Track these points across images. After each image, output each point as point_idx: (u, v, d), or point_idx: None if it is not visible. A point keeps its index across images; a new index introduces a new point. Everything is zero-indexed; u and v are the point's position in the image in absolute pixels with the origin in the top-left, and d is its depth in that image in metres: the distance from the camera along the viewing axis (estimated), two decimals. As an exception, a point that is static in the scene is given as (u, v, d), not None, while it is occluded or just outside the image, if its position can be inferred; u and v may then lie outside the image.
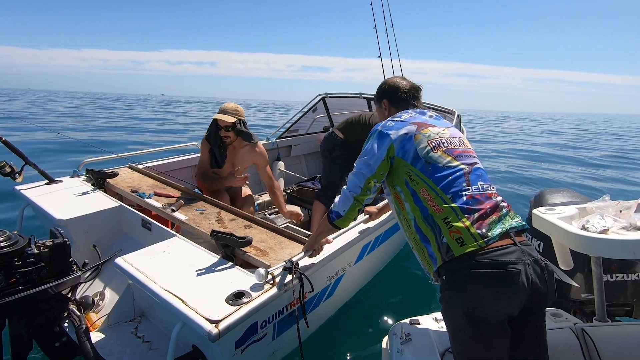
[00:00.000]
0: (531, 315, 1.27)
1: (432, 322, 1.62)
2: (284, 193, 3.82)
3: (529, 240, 2.03)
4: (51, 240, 1.77)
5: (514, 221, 1.29)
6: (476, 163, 1.41)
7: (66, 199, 2.38)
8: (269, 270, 1.58)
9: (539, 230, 1.66)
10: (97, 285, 2.11)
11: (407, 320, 1.65)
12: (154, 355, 1.66)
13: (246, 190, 3.04)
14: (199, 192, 2.73)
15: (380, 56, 3.89)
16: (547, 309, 1.63)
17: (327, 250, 1.84)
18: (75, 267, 1.85)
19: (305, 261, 1.73)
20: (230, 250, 1.79)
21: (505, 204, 1.33)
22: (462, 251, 1.21)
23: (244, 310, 1.42)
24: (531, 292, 1.19)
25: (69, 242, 1.78)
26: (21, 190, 2.43)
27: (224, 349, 1.44)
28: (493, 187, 1.37)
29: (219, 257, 1.78)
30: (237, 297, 1.47)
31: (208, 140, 2.75)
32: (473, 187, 1.30)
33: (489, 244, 1.20)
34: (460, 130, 4.26)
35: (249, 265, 1.82)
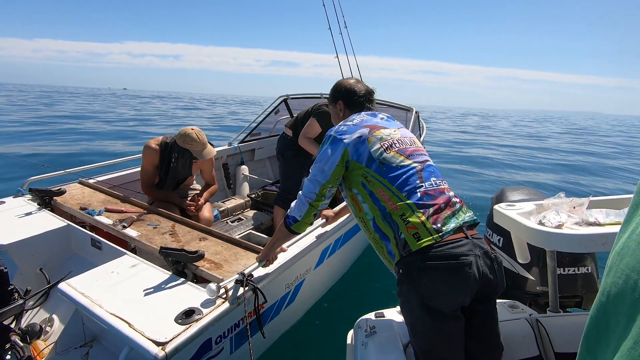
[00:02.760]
0: (482, 304, 1.33)
1: (396, 314, 1.66)
2: (249, 198, 3.78)
3: (489, 234, 2.13)
4: (-14, 269, 1.67)
5: (467, 216, 1.36)
6: (427, 160, 1.46)
7: (8, 221, 2.24)
8: (220, 284, 1.56)
9: (500, 225, 1.74)
10: (45, 312, 2.01)
11: (372, 314, 1.68)
12: (105, 381, 1.60)
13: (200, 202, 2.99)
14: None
15: (337, 56, 3.90)
16: (504, 300, 1.73)
17: (282, 258, 1.83)
18: (16, 294, 1.76)
19: (260, 271, 1.72)
20: (181, 266, 1.75)
21: (457, 200, 1.40)
22: (418, 246, 1.25)
23: (194, 328, 1.39)
24: (482, 283, 1.26)
25: (6, 270, 1.69)
26: (-43, 216, 2.27)
27: (175, 370, 1.40)
28: (445, 183, 1.43)
29: (170, 273, 1.73)
30: (187, 315, 1.44)
31: (165, 160, 2.68)
32: (426, 183, 1.36)
33: (443, 238, 1.25)
34: (419, 126, 4.35)
35: (203, 279, 1.78)
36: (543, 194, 2.14)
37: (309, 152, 2.93)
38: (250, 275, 1.61)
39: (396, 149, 1.42)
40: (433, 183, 1.37)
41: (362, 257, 3.39)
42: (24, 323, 1.87)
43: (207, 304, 1.52)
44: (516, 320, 1.58)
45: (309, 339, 2.38)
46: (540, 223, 1.55)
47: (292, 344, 2.24)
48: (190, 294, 1.58)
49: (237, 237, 2.39)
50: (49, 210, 2.45)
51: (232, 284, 1.57)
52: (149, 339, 1.31)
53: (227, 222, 3.15)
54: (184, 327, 1.38)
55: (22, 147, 9.24)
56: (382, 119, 1.57)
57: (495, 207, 1.77)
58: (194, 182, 3.06)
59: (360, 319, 1.69)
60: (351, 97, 1.65)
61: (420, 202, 1.30)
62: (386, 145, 1.42)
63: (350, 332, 1.72)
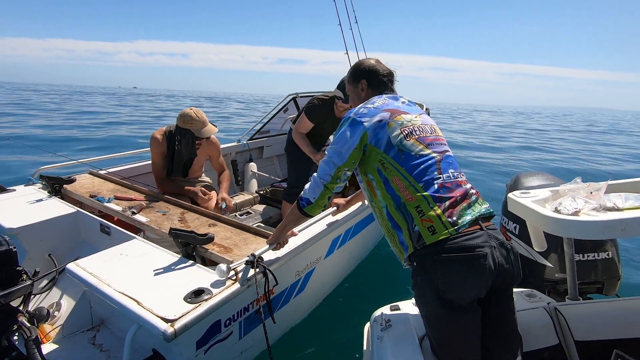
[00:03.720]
0: (499, 295, 1.30)
1: (412, 307, 1.63)
2: (257, 194, 3.76)
3: (505, 222, 2.08)
4: (-5, 248, 1.65)
5: (483, 208, 1.33)
6: (447, 151, 1.42)
7: (18, 208, 2.24)
8: (231, 265, 1.52)
9: (514, 213, 1.69)
10: (53, 296, 1.99)
11: (387, 307, 1.65)
12: (112, 364, 1.57)
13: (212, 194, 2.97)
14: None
15: (347, 52, 3.89)
16: (522, 289, 1.69)
17: (293, 243, 1.80)
18: (25, 276, 1.74)
19: (270, 255, 1.68)
20: (191, 248, 1.72)
21: (474, 191, 1.37)
22: (433, 239, 1.23)
23: (203, 307, 1.36)
24: (498, 274, 1.23)
25: (15, 250, 1.67)
26: (-31, 201, 2.28)
27: (184, 349, 1.37)
28: (463, 175, 1.39)
29: (179, 256, 1.71)
30: (196, 295, 1.41)
31: (171, 147, 2.67)
32: (444, 175, 1.32)
33: (459, 231, 1.23)
34: None
35: (212, 263, 1.75)
36: (559, 180, 2.08)
37: (300, 147, 2.94)
38: (261, 257, 1.57)
39: (416, 136, 1.38)
40: (451, 175, 1.34)
41: (377, 248, 3.34)
42: (32, 307, 1.85)
43: (217, 284, 1.48)
44: (534, 310, 1.54)
45: (323, 332, 2.33)
46: (556, 210, 1.49)
47: (304, 338, 2.19)
48: (199, 275, 1.55)
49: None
50: (59, 197, 2.44)
51: (243, 265, 1.53)
52: (157, 316, 1.28)
53: (235, 216, 3.13)
54: (193, 305, 1.35)
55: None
56: (403, 102, 1.53)
57: (510, 195, 1.72)
58: (203, 174, 3.05)
59: (375, 312, 1.66)
60: (375, 76, 1.59)
61: (437, 195, 1.27)
62: (406, 132, 1.38)
63: (367, 326, 1.70)
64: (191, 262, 1.66)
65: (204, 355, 1.47)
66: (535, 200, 1.61)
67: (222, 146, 3.82)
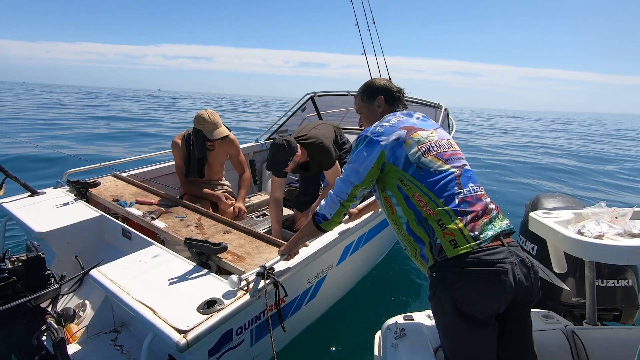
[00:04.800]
0: (517, 312, 1.32)
1: (426, 318, 1.65)
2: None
3: (522, 242, 2.06)
4: (25, 254, 1.77)
5: (504, 224, 1.34)
6: (465, 165, 1.43)
7: (47, 211, 2.37)
8: (242, 276, 1.57)
9: (535, 233, 1.70)
10: (79, 297, 2.11)
11: (400, 316, 1.67)
12: (131, 366, 1.66)
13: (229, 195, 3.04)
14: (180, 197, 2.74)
15: (365, 53, 3.86)
16: (539, 310, 1.69)
17: (304, 253, 1.83)
18: (52, 279, 1.85)
19: (281, 265, 1.72)
20: (205, 257, 1.79)
21: (493, 206, 1.38)
22: (455, 253, 1.25)
23: (215, 318, 1.41)
24: (518, 290, 1.25)
25: (43, 256, 1.78)
26: (2, 204, 2.43)
27: (197, 358, 1.43)
28: (482, 188, 1.41)
29: (194, 264, 1.77)
30: (209, 305, 1.47)
31: (188, 149, 2.77)
32: (464, 189, 1.34)
33: (480, 246, 1.24)
34: (448, 124, 4.24)
35: (226, 271, 1.81)
36: (581, 203, 2.07)
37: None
38: (272, 268, 1.62)
39: (434, 152, 1.40)
40: (471, 189, 1.35)
41: (387, 258, 3.35)
42: (59, 307, 1.97)
43: (228, 295, 1.54)
44: (551, 331, 1.55)
45: (332, 337, 2.37)
46: (580, 232, 1.51)
47: (314, 342, 2.24)
48: (212, 285, 1.61)
49: (262, 232, 2.41)
50: (84, 201, 2.57)
51: (254, 276, 1.58)
52: (171, 327, 1.35)
53: (252, 217, 3.19)
54: (205, 316, 1.41)
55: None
56: (418, 119, 1.54)
57: (531, 214, 1.73)
58: (223, 177, 3.12)
59: (388, 320, 1.68)
60: (391, 93, 1.64)
61: (458, 209, 1.29)
62: (424, 149, 1.39)
63: (378, 334, 1.72)
64: (205, 270, 1.72)
65: (216, 362, 1.53)
66: (558, 221, 1.63)
67: (240, 146, 3.90)
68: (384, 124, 1.47)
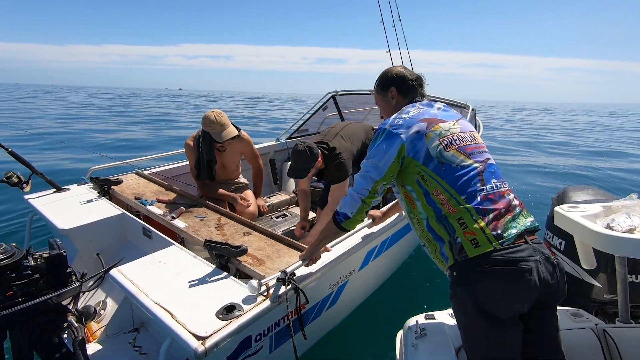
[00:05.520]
0: (542, 311, 1.26)
1: (448, 317, 1.60)
2: (294, 194, 3.76)
3: (549, 237, 1.95)
4: (48, 251, 1.77)
5: (528, 221, 1.28)
6: (489, 159, 1.36)
7: (71, 208, 2.39)
8: (262, 281, 1.52)
9: (561, 228, 1.62)
10: (100, 294, 2.12)
11: (422, 316, 1.62)
12: (149, 368, 1.64)
13: (248, 193, 3.01)
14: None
15: (389, 50, 3.76)
16: (567, 308, 1.63)
17: (326, 258, 1.76)
18: (74, 277, 1.85)
19: (302, 271, 1.66)
20: (225, 259, 1.75)
21: (517, 202, 1.31)
22: (476, 252, 1.20)
23: (234, 325, 1.37)
24: (542, 289, 1.19)
25: (65, 253, 1.77)
26: (29, 200, 2.47)
27: (214, 364, 1.39)
28: (506, 184, 1.33)
29: (214, 267, 1.74)
30: (228, 311, 1.42)
31: (199, 150, 2.74)
32: (487, 186, 1.28)
33: (503, 245, 1.19)
34: (475, 124, 4.09)
35: (246, 275, 1.77)
36: (611, 195, 1.94)
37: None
38: (293, 274, 1.56)
39: (456, 146, 1.32)
40: (494, 186, 1.29)
41: (409, 257, 3.25)
42: (80, 305, 1.97)
43: (248, 300, 1.49)
44: (580, 330, 1.48)
45: (353, 338, 2.31)
46: (609, 227, 1.42)
47: (334, 345, 2.18)
48: (232, 289, 1.57)
49: (281, 233, 2.36)
50: (107, 198, 2.58)
51: (274, 282, 1.53)
52: (190, 332, 1.31)
53: (271, 218, 3.15)
54: (224, 322, 1.37)
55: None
56: (439, 109, 1.46)
57: (557, 208, 1.64)
58: (240, 175, 3.10)
59: (409, 320, 1.62)
60: (404, 82, 1.54)
61: (480, 207, 1.23)
62: (445, 142, 1.32)
63: (400, 334, 1.67)
64: (225, 274, 1.68)
65: (234, 370, 1.49)
66: (586, 215, 1.54)
67: (260, 145, 3.86)
68: (403, 115, 1.40)
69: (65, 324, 1.77)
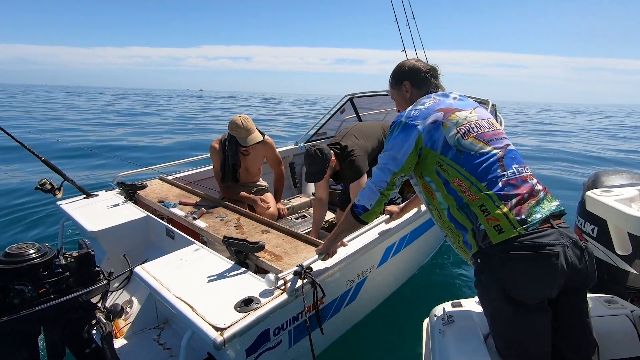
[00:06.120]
0: (571, 296, 1.24)
1: (475, 305, 1.57)
2: (314, 196, 3.78)
3: (581, 224, 1.89)
4: (77, 251, 1.86)
5: (553, 205, 1.25)
6: (508, 145, 1.35)
7: (99, 212, 2.50)
8: (279, 275, 1.54)
9: (594, 213, 1.60)
10: (126, 294, 2.19)
11: (448, 303, 1.60)
12: (173, 363, 1.68)
13: (268, 195, 3.05)
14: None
15: (404, 49, 3.74)
16: (601, 295, 1.59)
17: (343, 253, 1.77)
18: (102, 276, 1.93)
19: (319, 265, 1.67)
20: (243, 256, 1.78)
21: (540, 187, 1.29)
22: (500, 239, 1.18)
23: (252, 317, 1.39)
24: (570, 274, 1.17)
25: (93, 253, 1.86)
26: (61, 206, 2.60)
27: (234, 356, 1.41)
28: (527, 169, 1.32)
29: (233, 263, 1.77)
30: (246, 304, 1.45)
31: (224, 153, 2.82)
32: (508, 171, 1.26)
33: (527, 231, 1.16)
34: (497, 120, 4.00)
35: (264, 270, 1.79)
36: None
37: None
38: (309, 268, 1.57)
39: (474, 134, 1.31)
40: (515, 171, 1.27)
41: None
42: (108, 303, 2.05)
43: (265, 294, 1.51)
44: (615, 317, 1.44)
45: (375, 336, 2.28)
46: None
47: (356, 342, 2.16)
48: (250, 283, 1.59)
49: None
50: (133, 202, 2.68)
51: (291, 275, 1.54)
52: (209, 324, 1.34)
53: (291, 219, 3.18)
54: (242, 314, 1.39)
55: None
56: (454, 98, 1.45)
57: (588, 193, 1.61)
58: (260, 179, 3.15)
59: (435, 308, 1.60)
60: (417, 75, 1.53)
61: (502, 193, 1.22)
62: (463, 131, 1.31)
63: (426, 321, 1.66)
64: (243, 269, 1.71)
65: (254, 362, 1.51)
66: (620, 199, 1.52)
67: (280, 149, 3.92)
68: (419, 107, 1.40)
69: (94, 321, 1.84)
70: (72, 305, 1.76)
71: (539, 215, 1.19)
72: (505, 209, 1.19)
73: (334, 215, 3.27)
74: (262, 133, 2.81)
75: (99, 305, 1.94)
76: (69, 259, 1.81)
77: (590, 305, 1.29)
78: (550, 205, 1.24)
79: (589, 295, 1.35)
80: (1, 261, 1.65)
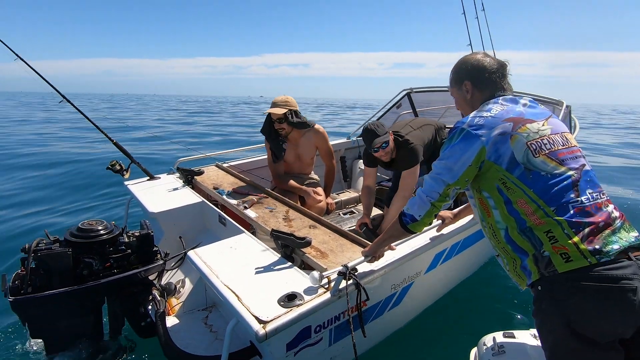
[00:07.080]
0: None
1: (530, 338, 1.47)
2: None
3: None
4: (139, 230, 2.00)
5: (632, 236, 1.12)
6: (584, 165, 1.20)
7: (160, 194, 2.67)
8: (324, 274, 1.53)
9: None
10: (180, 273, 2.32)
11: (500, 333, 1.51)
12: (218, 346, 1.75)
13: (319, 189, 3.05)
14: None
15: (470, 43, 3.52)
16: None
17: (390, 256, 1.72)
18: (159, 255, 2.07)
19: (364, 267, 1.64)
20: (289, 250, 1.80)
21: (618, 214, 1.15)
22: (567, 268, 1.08)
23: (294, 313, 1.40)
24: None
25: (152, 233, 1.98)
26: (128, 185, 2.81)
27: (274, 349, 1.43)
28: (604, 194, 1.17)
29: (280, 256, 1.80)
30: (289, 299, 1.46)
31: (264, 134, 2.89)
32: (582, 197, 1.13)
33: (600, 261, 1.06)
34: (570, 124, 3.64)
35: (309, 266, 1.80)
36: None
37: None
38: (354, 269, 1.55)
39: (546, 151, 1.18)
40: (590, 197, 1.13)
41: (485, 265, 3.01)
42: (164, 281, 2.20)
43: (309, 291, 1.51)
44: None
45: (420, 348, 2.21)
46: None
47: (398, 352, 2.11)
48: (295, 279, 1.61)
49: (347, 229, 2.36)
50: (190, 187, 2.83)
51: (335, 275, 1.53)
52: (253, 315, 1.37)
53: (339, 214, 3.16)
54: (285, 309, 1.40)
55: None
56: (525, 105, 1.31)
57: None
58: (312, 172, 3.16)
59: (485, 336, 1.53)
60: (481, 75, 1.37)
61: (573, 220, 1.10)
62: (534, 147, 1.18)
63: (474, 350, 1.58)
64: (289, 264, 1.73)
65: (293, 357, 1.52)
66: None
67: (331, 142, 3.90)
68: (484, 114, 1.26)
69: (150, 297, 1.98)
70: (132, 280, 1.91)
71: (616, 246, 1.07)
72: (576, 239, 1.08)
73: (380, 212, 3.21)
74: (309, 122, 2.86)
75: (155, 282, 2.08)
76: (131, 237, 1.95)
77: None
78: (628, 236, 1.11)
79: None
80: (75, 235, 1.82)
